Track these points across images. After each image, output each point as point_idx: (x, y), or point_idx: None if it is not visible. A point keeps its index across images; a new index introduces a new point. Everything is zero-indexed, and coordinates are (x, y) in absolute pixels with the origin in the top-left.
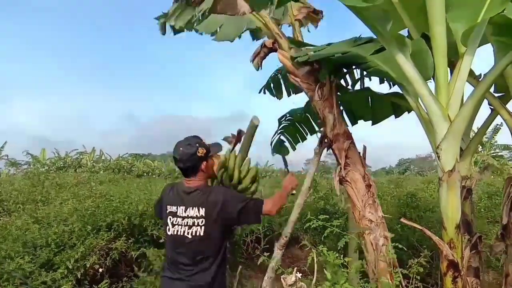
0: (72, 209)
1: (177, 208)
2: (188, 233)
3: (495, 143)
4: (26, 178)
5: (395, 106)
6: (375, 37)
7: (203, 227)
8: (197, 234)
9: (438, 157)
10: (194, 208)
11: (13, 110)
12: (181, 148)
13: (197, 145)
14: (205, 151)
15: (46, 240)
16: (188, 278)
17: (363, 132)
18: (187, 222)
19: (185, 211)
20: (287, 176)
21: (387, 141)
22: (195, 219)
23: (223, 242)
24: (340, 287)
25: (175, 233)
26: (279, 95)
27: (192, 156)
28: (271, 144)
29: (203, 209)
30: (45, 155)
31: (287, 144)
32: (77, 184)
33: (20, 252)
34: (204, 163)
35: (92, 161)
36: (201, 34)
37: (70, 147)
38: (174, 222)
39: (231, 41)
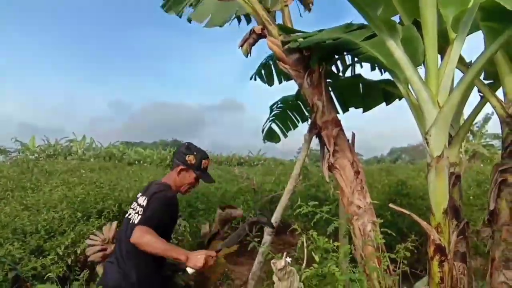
0: (62, 196)
1: (140, 195)
2: (131, 219)
3: (486, 132)
4: (15, 165)
5: (386, 93)
6: (366, 23)
7: (139, 217)
8: (134, 221)
9: (427, 143)
10: (144, 197)
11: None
12: (185, 144)
13: (195, 153)
14: (193, 162)
15: (35, 227)
16: (118, 263)
17: (355, 120)
18: (135, 208)
19: (140, 198)
20: (204, 252)
21: (379, 130)
22: (139, 207)
23: None
24: (327, 269)
25: (128, 215)
26: (270, 82)
27: (180, 154)
28: (262, 131)
29: (146, 200)
30: (34, 143)
31: (278, 131)
32: (67, 171)
33: (9, 239)
34: (182, 167)
35: (82, 149)
36: (190, 22)
37: (59, 134)
38: (132, 206)
39: (221, 26)
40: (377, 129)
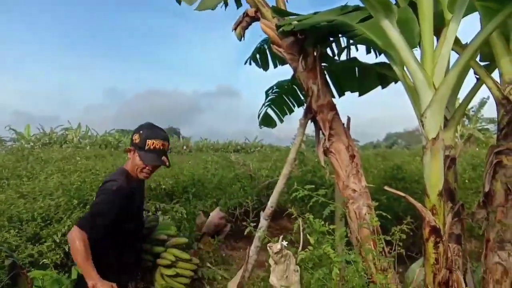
0: (58, 183)
1: None
2: None
3: (481, 117)
4: (10, 153)
5: (381, 76)
6: (362, 5)
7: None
8: None
9: (423, 125)
10: None
11: None
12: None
13: (141, 131)
14: (137, 142)
15: (32, 215)
16: None
17: (351, 106)
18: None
19: None
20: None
21: (375, 116)
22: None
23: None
24: (322, 251)
25: None
26: (265, 66)
27: (131, 136)
28: (258, 117)
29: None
30: (29, 131)
31: (274, 116)
32: (62, 159)
33: (5, 226)
34: (128, 147)
35: (78, 137)
36: (180, 3)
37: (54, 122)
38: None
39: (213, 9)
40: (373, 115)
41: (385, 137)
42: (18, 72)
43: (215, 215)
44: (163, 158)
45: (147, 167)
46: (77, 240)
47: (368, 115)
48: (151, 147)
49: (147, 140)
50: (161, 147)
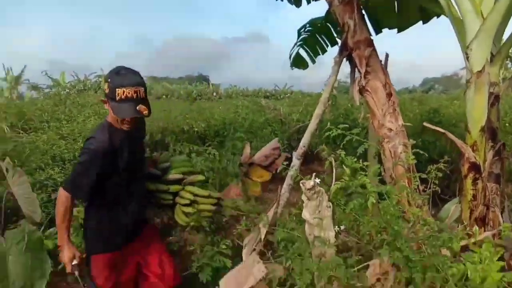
0: (95, 125)
1: None
2: None
3: None
4: (48, 98)
5: (422, 10)
6: None
7: None
8: None
9: (467, 57)
10: None
11: (26, 33)
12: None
13: (109, 80)
14: (107, 92)
15: (73, 154)
16: None
17: (388, 50)
18: None
19: None
20: (68, 259)
21: (412, 60)
22: None
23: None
24: (358, 182)
25: None
26: (297, 3)
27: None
28: (290, 58)
29: None
30: (64, 78)
31: (306, 57)
32: (98, 103)
33: (50, 164)
34: (105, 99)
35: None
36: None
37: (86, 70)
38: None
39: None
40: (410, 60)
41: (421, 82)
42: (46, 18)
43: (269, 145)
44: (139, 107)
45: (125, 119)
46: (59, 201)
47: (405, 61)
48: (122, 96)
49: (116, 90)
50: (134, 95)
